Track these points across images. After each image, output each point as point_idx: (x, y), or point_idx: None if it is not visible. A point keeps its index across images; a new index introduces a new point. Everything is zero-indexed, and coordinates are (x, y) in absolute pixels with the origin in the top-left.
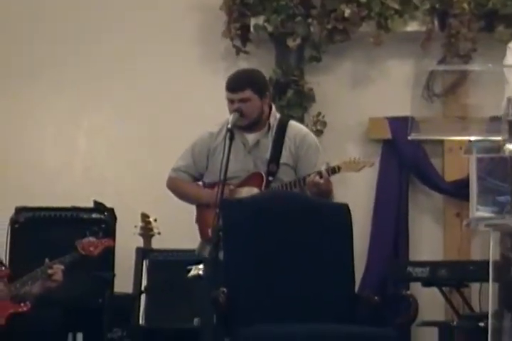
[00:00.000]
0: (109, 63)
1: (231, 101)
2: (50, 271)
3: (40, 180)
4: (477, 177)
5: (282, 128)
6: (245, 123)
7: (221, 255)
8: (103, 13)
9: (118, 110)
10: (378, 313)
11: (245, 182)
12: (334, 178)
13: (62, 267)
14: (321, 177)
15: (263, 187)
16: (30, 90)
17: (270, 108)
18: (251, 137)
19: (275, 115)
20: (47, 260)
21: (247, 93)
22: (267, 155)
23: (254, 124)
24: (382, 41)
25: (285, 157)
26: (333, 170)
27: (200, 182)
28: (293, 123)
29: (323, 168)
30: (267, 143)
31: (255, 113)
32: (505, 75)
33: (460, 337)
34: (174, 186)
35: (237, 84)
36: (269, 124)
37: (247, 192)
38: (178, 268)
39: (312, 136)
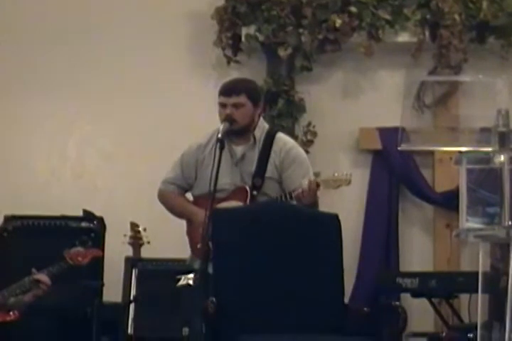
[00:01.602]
0: (100, 72)
1: (223, 106)
2: (36, 277)
3: (29, 189)
4: (467, 189)
5: (269, 141)
6: (235, 128)
7: (210, 268)
8: (93, 21)
9: (108, 118)
10: (368, 324)
11: (230, 196)
12: (325, 189)
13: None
14: (309, 189)
15: (247, 202)
16: (20, 98)
17: (258, 119)
18: (238, 149)
19: (262, 126)
20: (34, 270)
21: (242, 98)
22: (253, 168)
23: (244, 131)
24: (373, 51)
25: (270, 171)
26: (316, 184)
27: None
28: (280, 136)
29: (305, 183)
30: (253, 156)
31: (246, 120)
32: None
33: None
34: (163, 199)
35: (233, 88)
36: (254, 137)
37: (232, 206)
38: (168, 278)
39: (298, 149)
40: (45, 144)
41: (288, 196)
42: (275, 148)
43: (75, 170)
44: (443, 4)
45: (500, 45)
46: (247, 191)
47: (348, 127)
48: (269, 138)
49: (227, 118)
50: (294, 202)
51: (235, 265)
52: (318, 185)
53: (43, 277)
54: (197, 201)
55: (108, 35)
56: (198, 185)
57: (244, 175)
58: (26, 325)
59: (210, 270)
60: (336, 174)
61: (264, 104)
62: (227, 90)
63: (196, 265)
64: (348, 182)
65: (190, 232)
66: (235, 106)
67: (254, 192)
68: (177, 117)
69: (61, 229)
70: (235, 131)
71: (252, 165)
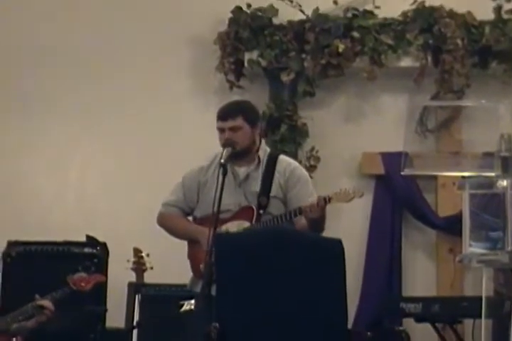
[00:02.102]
0: (102, 96)
1: (221, 131)
2: (39, 303)
3: (32, 213)
4: (470, 213)
5: (272, 162)
6: (237, 150)
7: (213, 290)
8: (94, 46)
9: (110, 143)
10: None
11: (236, 216)
12: (328, 213)
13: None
14: (317, 205)
15: (253, 221)
16: (22, 123)
17: (260, 141)
18: (241, 170)
19: (265, 149)
20: (37, 296)
21: (238, 121)
22: (257, 188)
23: (246, 153)
24: (376, 76)
25: (275, 190)
26: (324, 201)
27: (191, 217)
28: (283, 158)
29: (314, 199)
30: (257, 176)
31: (246, 142)
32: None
33: None
34: (164, 222)
35: (228, 112)
36: (259, 158)
37: (238, 225)
38: (171, 303)
39: (301, 169)
40: (47, 169)
41: (297, 211)
42: (279, 168)
43: (78, 195)
44: (445, 29)
45: (503, 70)
46: (253, 210)
47: (350, 152)
48: (272, 160)
49: (227, 143)
50: (302, 218)
51: (238, 290)
52: (329, 200)
53: (46, 303)
54: (199, 223)
55: (110, 60)
56: (200, 207)
57: (248, 194)
58: None
59: (214, 292)
60: (347, 188)
61: (263, 125)
62: (223, 114)
63: (198, 287)
64: (361, 195)
65: (192, 254)
66: (233, 129)
67: (261, 211)
68: (179, 142)
69: (64, 254)
70: (237, 154)
71: (256, 185)
